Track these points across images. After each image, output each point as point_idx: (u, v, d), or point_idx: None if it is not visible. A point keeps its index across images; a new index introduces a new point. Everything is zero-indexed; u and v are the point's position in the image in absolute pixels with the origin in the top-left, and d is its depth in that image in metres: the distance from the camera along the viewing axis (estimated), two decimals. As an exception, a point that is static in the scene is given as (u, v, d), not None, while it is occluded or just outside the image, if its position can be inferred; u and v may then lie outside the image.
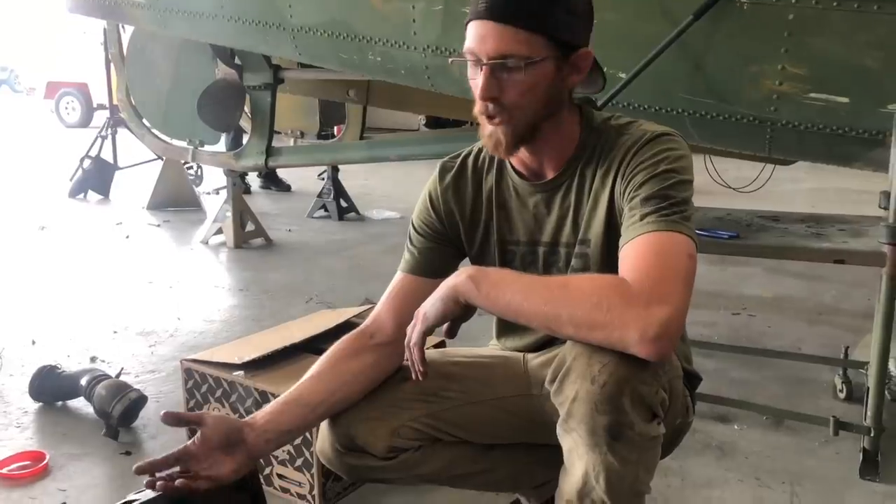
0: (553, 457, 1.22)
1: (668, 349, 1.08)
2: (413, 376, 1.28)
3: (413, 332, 1.25)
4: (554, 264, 1.36)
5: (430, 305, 1.23)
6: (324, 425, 1.39)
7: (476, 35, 1.21)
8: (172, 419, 1.26)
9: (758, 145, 2.43)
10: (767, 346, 2.88)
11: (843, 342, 2.58)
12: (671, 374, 1.19)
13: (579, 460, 1.14)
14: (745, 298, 3.56)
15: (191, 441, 1.23)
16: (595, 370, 1.10)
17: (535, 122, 1.25)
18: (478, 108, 1.25)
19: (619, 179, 1.25)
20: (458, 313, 1.22)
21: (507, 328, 1.50)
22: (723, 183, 4.25)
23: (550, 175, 1.34)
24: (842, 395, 2.42)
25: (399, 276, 1.43)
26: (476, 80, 1.23)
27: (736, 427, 2.23)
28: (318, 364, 1.38)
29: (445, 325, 1.25)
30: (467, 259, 1.45)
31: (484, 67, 1.21)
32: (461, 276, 1.20)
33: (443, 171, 1.43)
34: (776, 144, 2.37)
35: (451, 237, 1.42)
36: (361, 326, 1.42)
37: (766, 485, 1.92)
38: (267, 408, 1.33)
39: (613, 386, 1.09)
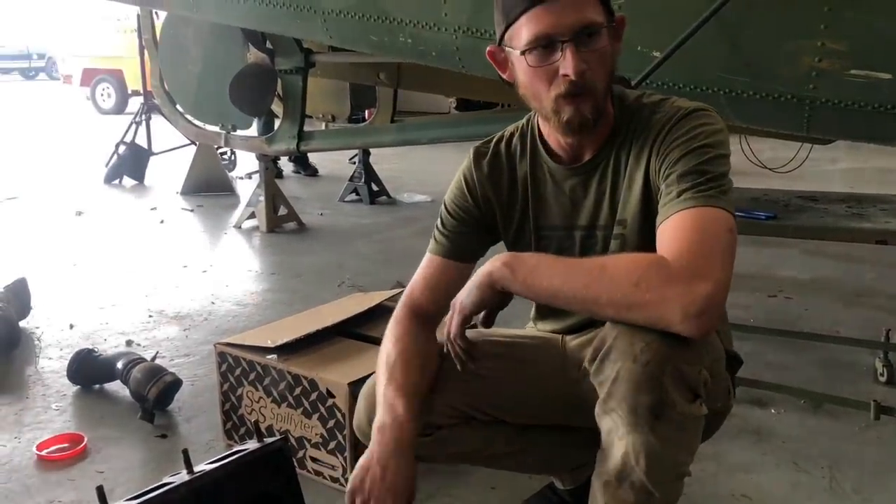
0: (589, 440, 1.21)
1: (711, 326, 1.07)
2: (459, 367, 1.28)
3: (452, 324, 1.25)
4: (591, 248, 1.34)
5: (467, 294, 1.22)
6: (361, 401, 1.40)
7: (546, 18, 1.17)
8: None
9: (796, 124, 2.36)
10: (805, 328, 2.83)
11: (884, 325, 2.52)
12: (714, 355, 1.18)
13: (619, 441, 1.13)
14: (781, 281, 3.50)
15: None
16: (637, 349, 1.08)
17: (606, 93, 1.24)
18: (561, 89, 1.20)
19: (653, 157, 1.23)
20: (496, 301, 1.21)
21: (545, 312, 1.49)
22: (758, 163, 4.16)
23: (587, 157, 1.32)
24: (882, 379, 2.37)
25: (429, 258, 1.42)
26: (547, 65, 1.19)
27: (773, 411, 2.20)
28: (399, 360, 1.34)
29: (482, 314, 1.24)
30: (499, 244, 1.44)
31: (568, 45, 1.17)
32: (496, 263, 1.19)
33: (478, 157, 1.41)
34: (815, 123, 2.31)
35: (486, 222, 1.41)
36: (405, 310, 1.40)
37: (804, 470, 1.89)
38: (408, 412, 1.29)
39: (656, 365, 1.07)
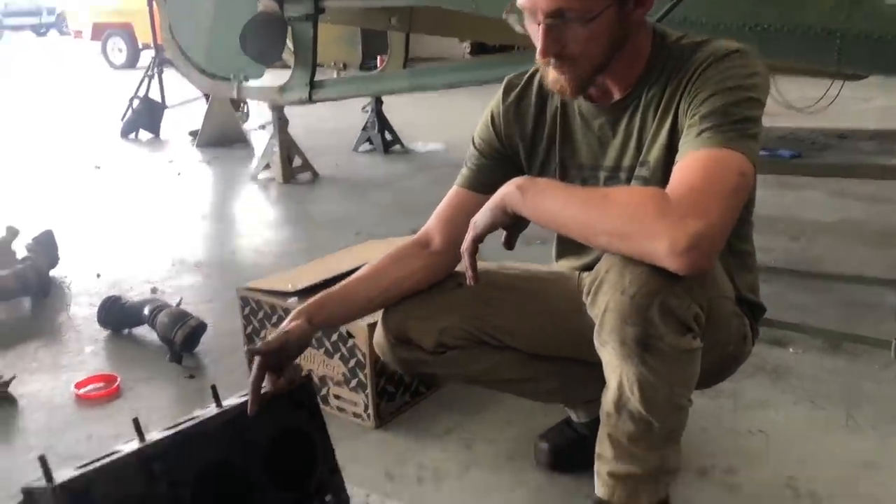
0: (601, 373, 1.22)
1: (701, 263, 1.05)
2: (467, 281, 1.30)
3: (466, 239, 1.27)
4: None
5: (481, 214, 1.24)
6: (380, 321, 1.45)
7: None
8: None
9: (826, 59, 2.28)
10: (828, 270, 2.80)
11: (910, 265, 2.50)
12: (713, 292, 1.17)
13: (614, 372, 1.16)
14: (805, 223, 3.46)
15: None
16: (626, 282, 1.10)
17: (601, 65, 1.23)
18: (540, 59, 1.22)
19: (684, 98, 1.21)
20: (508, 222, 1.22)
21: (565, 249, 1.50)
22: (785, 103, 4.06)
23: (617, 96, 1.30)
24: (904, 319, 2.36)
25: (453, 189, 1.45)
26: (534, 32, 1.19)
27: (791, 350, 2.20)
28: (370, 265, 1.43)
29: (503, 237, 1.26)
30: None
31: (541, 25, 1.17)
32: (510, 186, 1.20)
33: (508, 89, 1.42)
34: (846, 57, 2.23)
35: (509, 156, 1.42)
36: (414, 237, 1.46)
37: (821, 407, 1.90)
38: (320, 305, 1.38)
39: (642, 298, 1.08)
